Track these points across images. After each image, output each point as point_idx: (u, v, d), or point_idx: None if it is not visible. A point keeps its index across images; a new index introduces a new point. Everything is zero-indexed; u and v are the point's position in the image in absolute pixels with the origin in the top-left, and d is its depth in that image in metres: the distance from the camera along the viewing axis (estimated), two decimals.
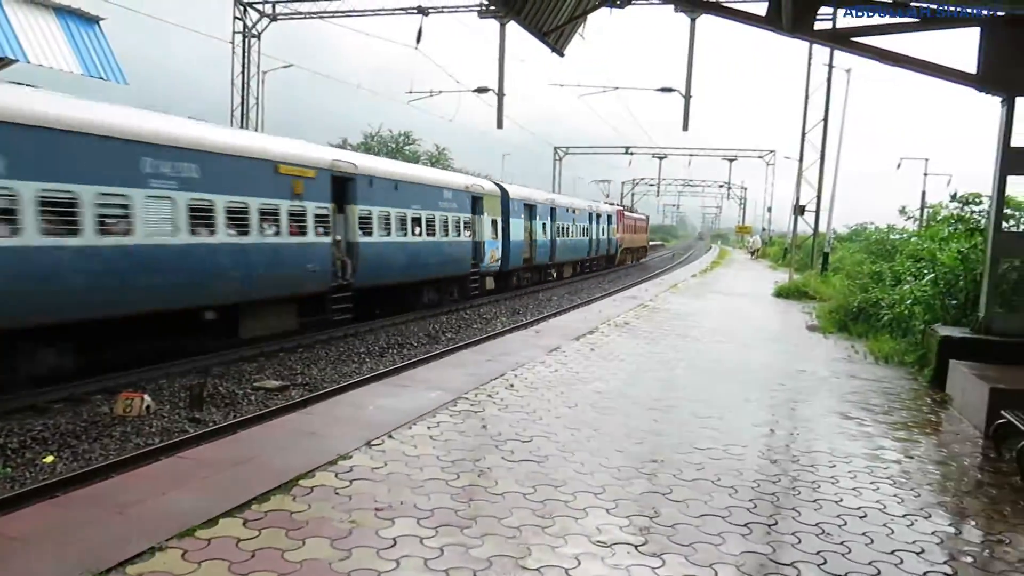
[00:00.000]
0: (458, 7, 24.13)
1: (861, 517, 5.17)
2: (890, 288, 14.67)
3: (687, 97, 23.11)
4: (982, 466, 6.68)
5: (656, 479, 5.68)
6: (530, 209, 29.82)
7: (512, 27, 20.54)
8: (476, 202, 24.37)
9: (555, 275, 34.12)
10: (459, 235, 23.01)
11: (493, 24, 23.95)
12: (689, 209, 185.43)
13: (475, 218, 24.28)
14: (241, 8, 27.59)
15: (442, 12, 24.57)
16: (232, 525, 4.48)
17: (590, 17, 13.34)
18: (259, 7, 27.52)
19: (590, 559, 4.28)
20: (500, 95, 24.38)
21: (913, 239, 17.07)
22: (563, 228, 34.20)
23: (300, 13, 27.32)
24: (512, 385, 8.64)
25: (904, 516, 5.23)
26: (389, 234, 18.87)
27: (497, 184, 27.63)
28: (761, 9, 11.11)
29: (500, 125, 25.28)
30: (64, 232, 10.60)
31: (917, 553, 4.63)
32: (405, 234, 19.65)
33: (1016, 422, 6.66)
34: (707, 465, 6.09)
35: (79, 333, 11.24)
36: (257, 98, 28.62)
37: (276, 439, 6.26)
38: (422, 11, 24.25)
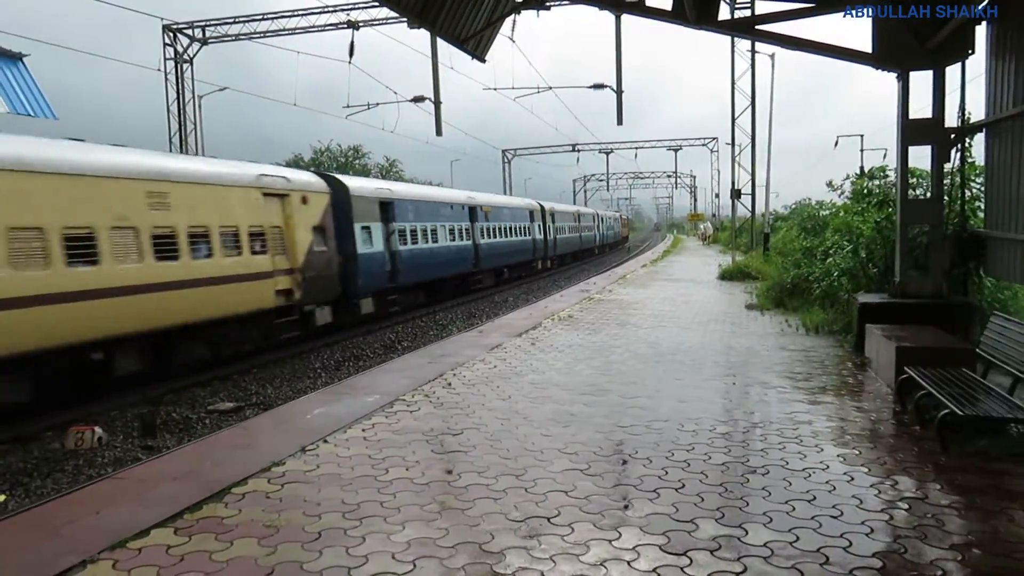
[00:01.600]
0: (387, 19, 24.35)
1: (764, 474, 5.55)
2: (820, 262, 15.28)
3: (619, 92, 23.70)
4: (888, 419, 7.14)
5: (577, 457, 6.01)
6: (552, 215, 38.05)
7: None
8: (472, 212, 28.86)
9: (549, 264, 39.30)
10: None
11: (425, 34, 24.26)
12: (643, 201, 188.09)
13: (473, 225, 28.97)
14: (171, 34, 27.46)
15: (372, 25, 24.76)
16: (163, 534, 4.69)
17: (520, 20, 13.74)
18: (188, 32, 27.40)
19: (505, 534, 4.58)
20: (437, 103, 24.72)
21: (841, 213, 17.76)
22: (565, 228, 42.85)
23: (230, 36, 27.28)
24: (450, 384, 8.91)
25: (803, 470, 5.63)
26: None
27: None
28: (668, 4, 11.56)
29: (439, 132, 25.65)
30: None
31: (809, 501, 5.01)
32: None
33: (916, 376, 7.13)
34: (627, 441, 6.44)
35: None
36: (195, 123, 28.48)
37: (213, 453, 6.46)
38: (352, 25, 24.45)
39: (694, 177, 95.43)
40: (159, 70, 27.23)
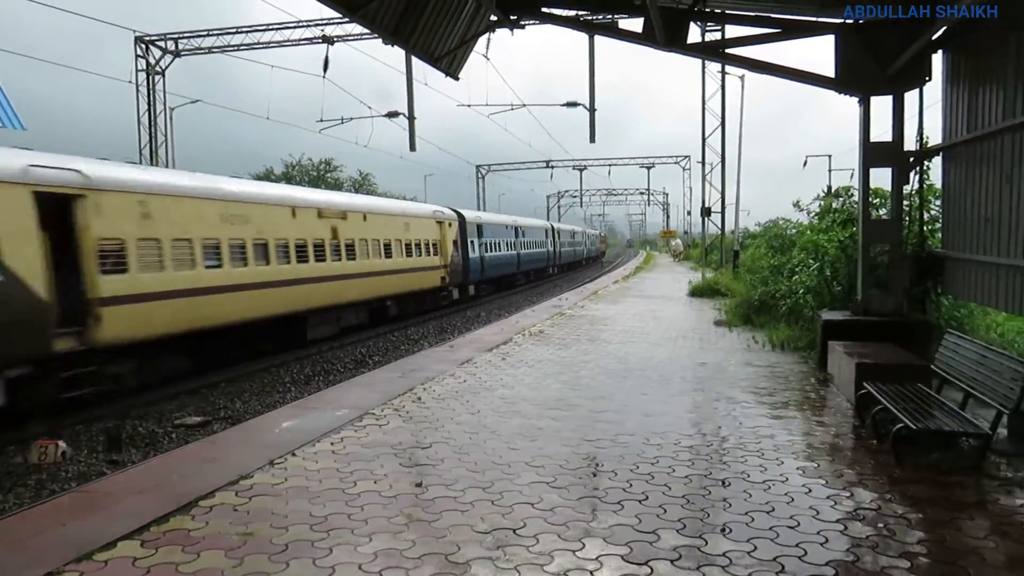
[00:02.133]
0: (362, 35, 24.47)
1: (725, 486, 5.70)
2: (787, 280, 15.58)
3: (591, 110, 24.02)
4: (847, 433, 7.34)
5: (543, 471, 6.11)
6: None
7: None
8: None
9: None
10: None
11: (400, 50, 24.42)
12: (616, 217, 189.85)
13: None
14: (143, 46, 27.34)
15: (347, 40, 24.87)
16: (130, 546, 4.71)
17: (495, 38, 13.94)
18: (161, 44, 27.30)
19: (470, 545, 4.66)
20: (411, 118, 24.88)
21: (812, 232, 18.14)
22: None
23: (203, 48, 27.23)
24: (419, 398, 8.98)
25: (763, 482, 5.79)
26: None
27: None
28: (640, 27, 11.82)
29: (413, 147, 25.82)
30: None
31: (768, 512, 5.17)
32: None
33: (874, 391, 7.35)
34: (594, 455, 6.56)
35: None
36: (166, 135, 28.32)
37: (181, 466, 6.47)
38: (327, 40, 24.54)
39: (667, 194, 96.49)
40: (130, 82, 27.09)
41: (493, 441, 7.02)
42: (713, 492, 5.57)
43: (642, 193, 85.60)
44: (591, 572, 4.27)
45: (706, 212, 30.38)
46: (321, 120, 28.60)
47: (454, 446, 6.88)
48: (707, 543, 4.65)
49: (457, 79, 13.38)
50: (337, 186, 64.58)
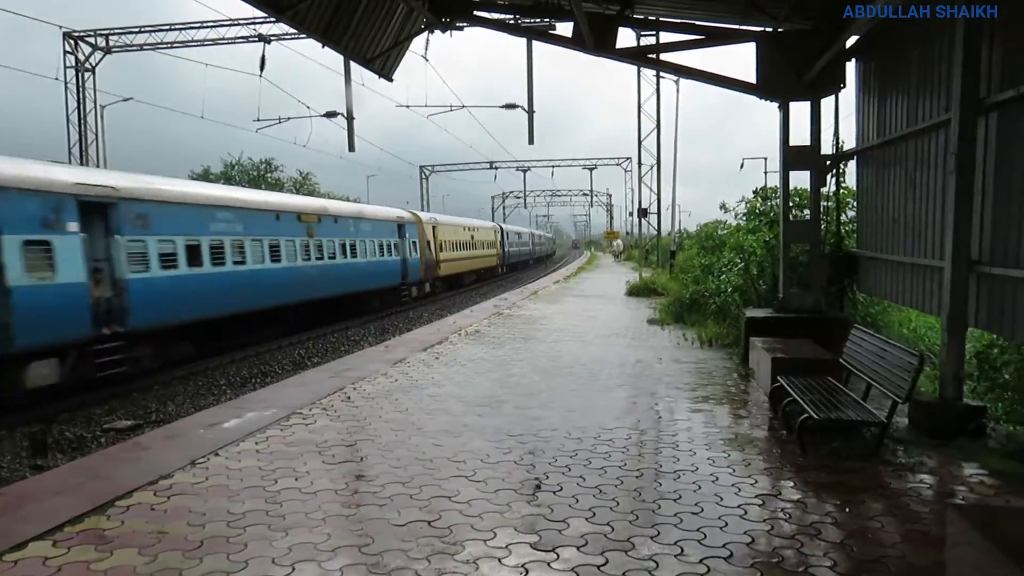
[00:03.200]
0: (299, 35, 24.25)
1: (637, 476, 5.94)
2: (716, 279, 16.07)
3: (530, 113, 24.28)
4: (761, 425, 7.67)
5: (464, 465, 6.27)
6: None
7: None
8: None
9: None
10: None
11: None
12: (561, 218, 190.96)
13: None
14: (71, 42, 26.60)
15: (283, 40, 24.63)
16: (41, 547, 4.70)
17: (434, 39, 14.02)
18: (91, 40, 26.60)
19: (385, 537, 4.79)
20: (349, 118, 24.77)
21: (739, 232, 18.73)
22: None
23: (135, 45, 26.62)
24: (349, 397, 9.05)
25: (674, 471, 6.05)
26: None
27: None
28: (569, 31, 12.06)
29: (352, 148, 25.67)
30: None
31: (675, 500, 5.42)
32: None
33: (785, 384, 7.71)
34: (515, 449, 6.74)
35: None
36: (96, 133, 27.60)
37: (101, 467, 6.42)
38: (263, 39, 24.26)
39: (610, 195, 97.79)
40: (57, 79, 26.34)
41: (418, 438, 7.14)
42: (625, 482, 5.79)
43: (585, 194, 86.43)
44: (499, 560, 4.44)
45: (642, 213, 30.99)
46: (258, 119, 28.27)
47: (379, 443, 6.98)
48: (613, 530, 4.86)
49: (391, 80, 13.43)
50: (278, 186, 63.64)
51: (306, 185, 68.69)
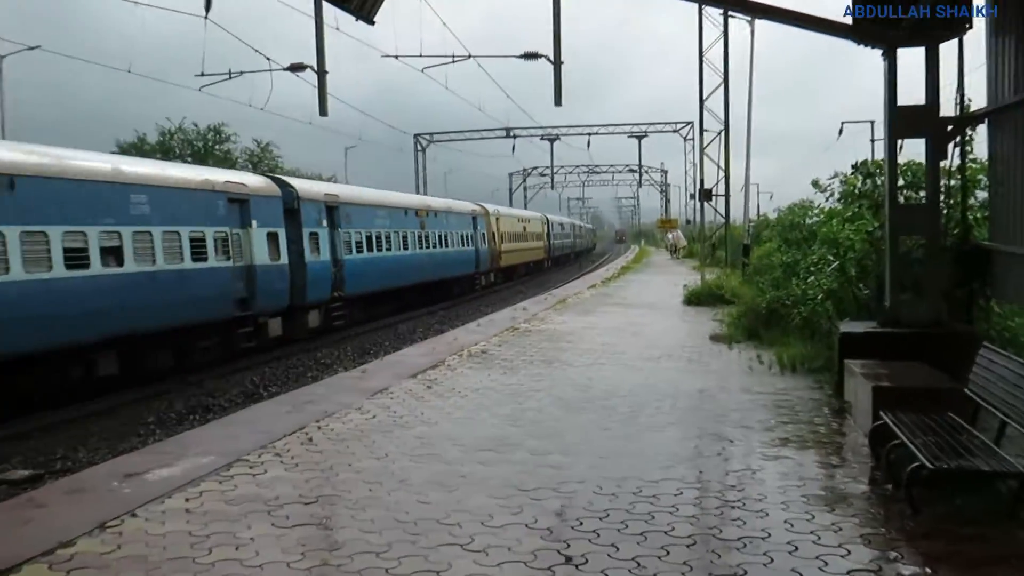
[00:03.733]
0: None
1: (689, 545, 5.86)
2: (803, 282, 15.92)
3: (557, 64, 24.25)
4: (857, 476, 7.57)
5: (459, 530, 6.22)
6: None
7: None
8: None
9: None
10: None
11: None
12: (601, 202, 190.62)
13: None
14: None
15: None
16: None
17: None
18: None
19: None
20: (321, 72, 24.83)
21: (833, 220, 18.56)
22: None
23: None
24: (311, 439, 9.05)
25: (739, 539, 5.97)
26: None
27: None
28: None
29: (324, 111, 25.71)
30: None
31: None
32: None
33: (891, 423, 7.58)
34: (527, 507, 6.70)
35: None
36: None
37: None
38: None
39: (665, 172, 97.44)
40: None
41: (400, 493, 7.12)
42: (672, 553, 5.72)
43: (632, 170, 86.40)
44: None
45: (706, 195, 30.82)
46: (202, 74, 28.49)
47: (348, 500, 6.96)
48: None
49: (372, 23, 13.45)
50: (229, 161, 64.15)
51: (266, 159, 69.21)
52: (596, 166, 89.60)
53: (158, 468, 8.09)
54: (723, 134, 29.95)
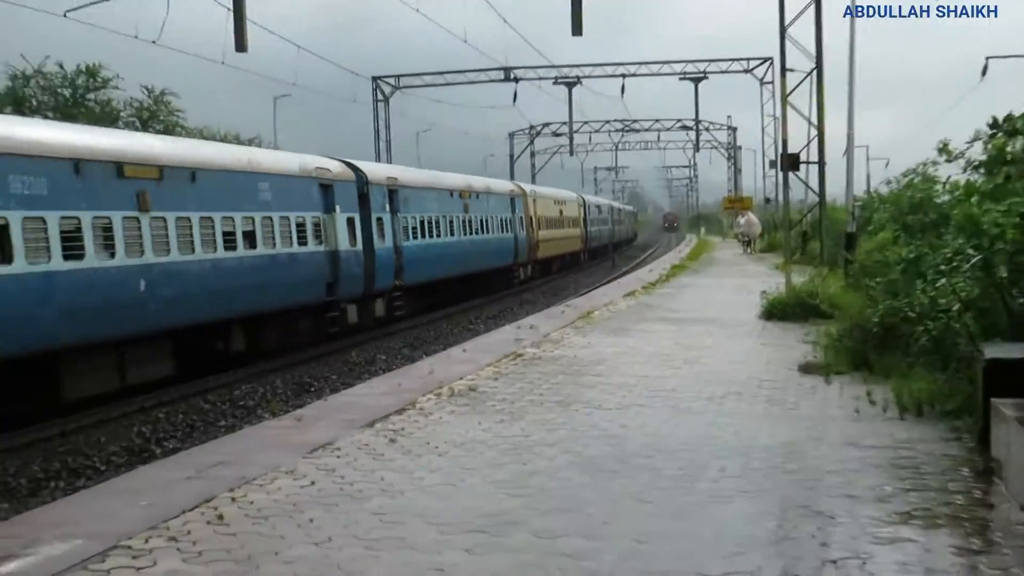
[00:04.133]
0: None
1: None
2: (931, 286, 15.80)
3: None
4: (1012, 567, 7.49)
5: None
6: None
7: None
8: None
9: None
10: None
11: None
12: (642, 174, 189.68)
13: None
14: None
15: None
16: None
17: None
18: None
19: None
20: None
21: (971, 198, 18.45)
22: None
23: None
24: (221, 517, 9.01)
25: None
26: None
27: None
28: None
29: (242, 46, 25.81)
30: None
31: None
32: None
33: None
34: None
35: None
36: None
37: None
38: None
39: (733, 130, 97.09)
40: None
41: None
42: None
43: (687, 127, 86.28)
44: None
45: (791, 163, 30.58)
46: None
47: None
48: None
49: None
50: (110, 116, 64.27)
51: (160, 114, 69.28)
52: (634, 121, 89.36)
53: (8, 557, 8.05)
54: (815, 75, 29.83)
